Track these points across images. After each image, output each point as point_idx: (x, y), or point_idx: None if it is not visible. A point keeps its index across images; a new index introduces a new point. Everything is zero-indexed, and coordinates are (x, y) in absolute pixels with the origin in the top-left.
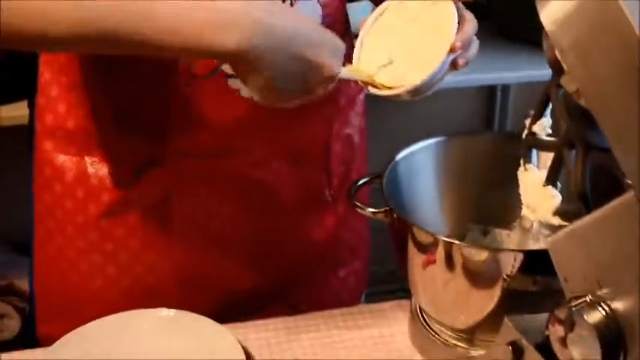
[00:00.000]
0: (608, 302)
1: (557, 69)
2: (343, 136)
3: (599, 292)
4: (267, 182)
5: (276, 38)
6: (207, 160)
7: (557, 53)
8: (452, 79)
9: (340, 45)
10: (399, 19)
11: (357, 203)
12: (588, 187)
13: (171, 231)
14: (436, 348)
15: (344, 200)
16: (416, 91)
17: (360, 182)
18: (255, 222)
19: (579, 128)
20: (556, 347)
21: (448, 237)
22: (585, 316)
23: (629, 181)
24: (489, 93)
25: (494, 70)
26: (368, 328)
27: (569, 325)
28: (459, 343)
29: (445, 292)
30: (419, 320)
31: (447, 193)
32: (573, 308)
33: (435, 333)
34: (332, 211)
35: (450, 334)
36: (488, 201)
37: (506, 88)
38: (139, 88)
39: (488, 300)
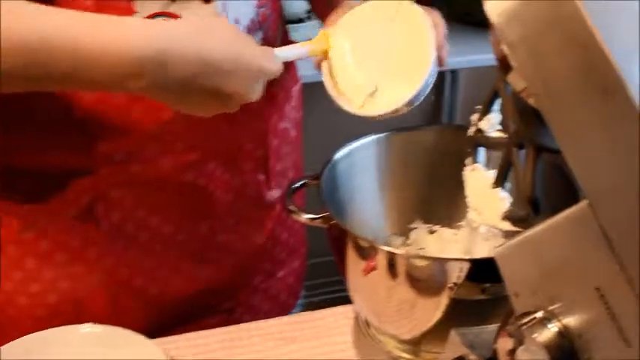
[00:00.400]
0: (560, 318)
1: (505, 65)
2: (280, 130)
3: (550, 308)
4: (200, 186)
5: (179, 78)
6: (133, 166)
7: (504, 48)
8: None
9: (257, 66)
10: (370, 28)
11: (294, 209)
12: (539, 191)
13: (98, 242)
14: (381, 359)
15: (282, 199)
16: (409, 104)
17: (297, 185)
18: (190, 228)
19: (529, 128)
20: None
21: (392, 237)
22: (536, 334)
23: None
24: (437, 81)
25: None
26: (307, 340)
27: (518, 341)
28: (404, 355)
29: (388, 301)
30: (362, 329)
31: (390, 192)
32: (523, 326)
33: (380, 343)
34: (271, 211)
35: (395, 344)
36: (434, 199)
37: (455, 75)
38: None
39: (434, 309)
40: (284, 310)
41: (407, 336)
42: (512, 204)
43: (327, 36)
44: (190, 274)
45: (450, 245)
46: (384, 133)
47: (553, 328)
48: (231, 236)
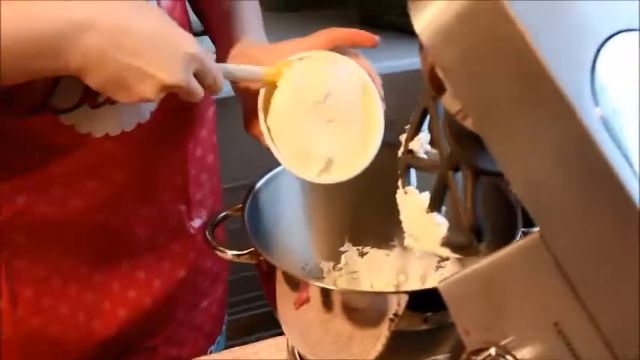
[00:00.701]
0: (515, 353)
1: (436, 85)
2: (197, 157)
3: (503, 343)
4: (115, 225)
5: (96, 46)
6: (40, 207)
7: (437, 71)
8: None
9: (184, 49)
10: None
11: (217, 246)
12: (481, 217)
13: (8, 290)
14: None
15: (203, 229)
16: None
17: (218, 218)
18: (107, 268)
19: (466, 151)
20: None
21: (322, 263)
22: None
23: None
24: None
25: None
26: None
27: None
28: None
29: (324, 335)
30: None
31: (316, 216)
32: None
33: None
34: (193, 241)
35: None
36: (364, 219)
37: None
38: None
39: (373, 342)
40: (210, 339)
41: None
42: (451, 229)
43: (280, 70)
44: (111, 314)
45: (383, 267)
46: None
47: None
48: (152, 272)
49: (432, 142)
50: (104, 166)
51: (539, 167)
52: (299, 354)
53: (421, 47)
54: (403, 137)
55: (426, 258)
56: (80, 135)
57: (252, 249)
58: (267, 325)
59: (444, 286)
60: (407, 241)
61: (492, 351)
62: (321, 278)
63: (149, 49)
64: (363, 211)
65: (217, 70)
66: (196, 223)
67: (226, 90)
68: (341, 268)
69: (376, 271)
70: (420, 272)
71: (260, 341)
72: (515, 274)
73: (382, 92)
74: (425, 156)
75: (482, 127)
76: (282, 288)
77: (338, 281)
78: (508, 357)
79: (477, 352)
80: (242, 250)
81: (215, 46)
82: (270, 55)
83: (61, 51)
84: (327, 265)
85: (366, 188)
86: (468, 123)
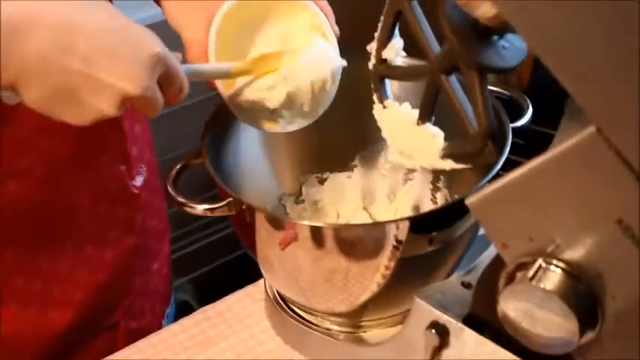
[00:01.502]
0: (568, 259)
1: None
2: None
3: (549, 250)
4: (54, 202)
5: (37, 50)
6: None
7: None
8: None
9: (149, 49)
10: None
11: (187, 202)
12: (493, 118)
13: None
14: (316, 341)
15: (146, 186)
16: None
17: (178, 168)
18: (53, 250)
19: (470, 49)
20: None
21: (285, 197)
22: (543, 284)
23: (588, 113)
24: None
25: None
26: (224, 339)
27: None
28: (345, 329)
29: (315, 274)
30: (282, 311)
31: (274, 149)
32: (526, 281)
33: (310, 323)
34: (137, 202)
35: (332, 320)
36: (320, 144)
37: None
38: None
39: (373, 274)
40: (164, 302)
41: (344, 308)
42: (447, 138)
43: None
44: (65, 300)
45: (345, 191)
46: None
47: (562, 270)
48: (100, 245)
49: (408, 47)
50: (37, 138)
51: (592, 57)
52: (282, 300)
53: None
54: (371, 47)
55: (391, 173)
56: (9, 107)
57: (229, 199)
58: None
59: (475, 203)
60: (394, 159)
61: (541, 262)
62: (285, 215)
63: (105, 52)
64: (319, 135)
65: (184, 74)
66: (138, 181)
67: None
68: (303, 200)
69: (339, 197)
70: (387, 189)
71: (229, 295)
72: (566, 176)
73: (336, 28)
74: (401, 63)
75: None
76: (264, 233)
77: (302, 215)
78: (559, 263)
79: (522, 267)
80: (213, 202)
81: None
82: None
83: None
84: (289, 200)
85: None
86: (480, 11)
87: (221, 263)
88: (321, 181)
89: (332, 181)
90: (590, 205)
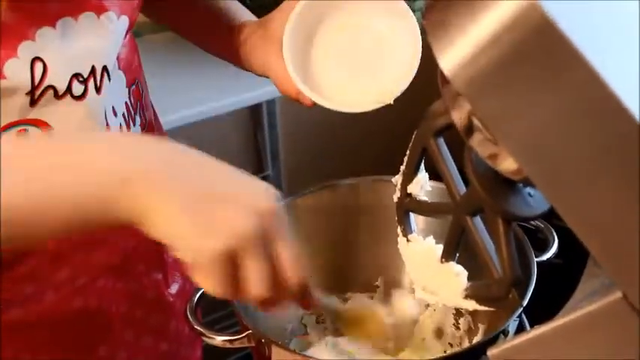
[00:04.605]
0: None
1: (467, 129)
2: None
3: None
4: (92, 309)
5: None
6: (14, 311)
7: (472, 118)
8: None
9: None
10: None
11: (203, 331)
12: (518, 266)
13: None
14: None
15: (179, 295)
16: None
17: (197, 297)
18: (86, 357)
19: (495, 196)
20: None
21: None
22: None
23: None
24: (252, 115)
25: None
26: None
27: None
28: None
29: None
30: None
31: None
32: None
33: None
34: (172, 310)
35: None
36: (343, 264)
37: (271, 105)
38: None
39: None
40: None
41: None
42: (470, 278)
43: None
44: None
45: (367, 311)
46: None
47: None
48: (133, 351)
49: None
50: (77, 252)
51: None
52: None
53: (443, 81)
54: (397, 180)
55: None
56: None
57: (249, 331)
58: None
59: (497, 355)
60: (418, 294)
61: None
62: (305, 335)
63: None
64: (341, 256)
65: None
66: (173, 289)
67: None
68: (324, 320)
69: (361, 318)
70: (410, 312)
71: None
72: (590, 339)
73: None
74: (426, 198)
75: (541, 181)
76: None
77: (323, 334)
78: None
79: None
80: (231, 333)
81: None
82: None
83: None
84: (310, 319)
85: (334, 232)
86: (503, 166)
87: None
88: (344, 300)
89: (354, 302)
90: None
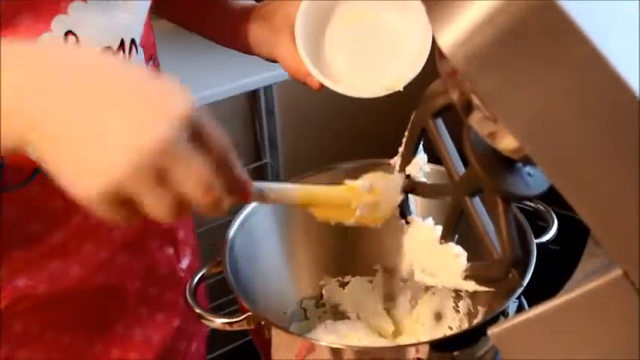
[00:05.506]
0: None
1: (465, 107)
2: None
3: None
4: (110, 286)
5: None
6: (42, 286)
7: (472, 96)
8: None
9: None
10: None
11: (202, 313)
12: (518, 246)
13: None
14: None
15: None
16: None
17: (196, 280)
18: (103, 338)
19: (494, 176)
20: None
21: (304, 301)
22: None
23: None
24: (250, 99)
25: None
26: None
27: None
28: None
29: None
30: None
31: (293, 254)
32: None
33: None
34: (183, 285)
35: None
36: (341, 248)
37: (269, 91)
38: None
39: None
40: None
41: None
42: (470, 259)
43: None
44: None
45: (367, 295)
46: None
47: None
48: (148, 328)
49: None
50: (102, 226)
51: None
52: None
53: (440, 55)
54: (395, 161)
55: (411, 281)
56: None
57: (248, 314)
58: None
59: (497, 333)
60: (417, 276)
61: None
62: (305, 319)
63: None
64: (340, 238)
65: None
66: (184, 263)
67: None
68: (324, 304)
69: (360, 301)
70: (409, 295)
71: None
72: (591, 316)
73: None
74: (425, 180)
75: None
76: (283, 350)
77: (322, 318)
78: None
79: None
80: (230, 315)
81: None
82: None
83: None
84: (309, 304)
85: None
86: (502, 145)
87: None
88: (342, 285)
89: (353, 285)
90: (616, 347)
